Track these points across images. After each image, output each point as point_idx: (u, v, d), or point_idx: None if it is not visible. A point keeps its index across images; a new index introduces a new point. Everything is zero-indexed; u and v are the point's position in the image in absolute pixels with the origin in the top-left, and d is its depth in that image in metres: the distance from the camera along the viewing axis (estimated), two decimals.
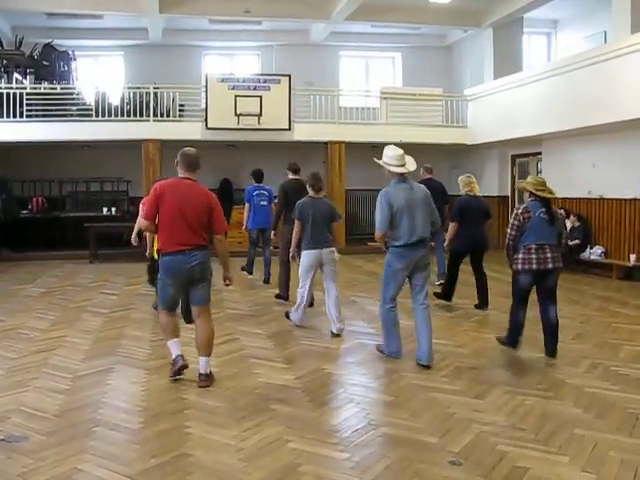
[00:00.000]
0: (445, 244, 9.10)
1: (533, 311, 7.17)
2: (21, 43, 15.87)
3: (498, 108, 15.14)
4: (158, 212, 5.34)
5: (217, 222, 5.44)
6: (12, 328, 7.68)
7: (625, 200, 12.15)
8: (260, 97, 14.92)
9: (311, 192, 7.54)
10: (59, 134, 14.39)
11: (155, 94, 15.38)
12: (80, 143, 15.14)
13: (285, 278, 9.14)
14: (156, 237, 7.05)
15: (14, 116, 14.24)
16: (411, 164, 6.11)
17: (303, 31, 17.98)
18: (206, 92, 15.14)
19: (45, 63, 15.85)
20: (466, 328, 7.71)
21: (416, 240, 5.92)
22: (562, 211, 13.07)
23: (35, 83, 15.57)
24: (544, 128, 13.25)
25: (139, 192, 14.03)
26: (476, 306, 8.81)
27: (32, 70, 15.88)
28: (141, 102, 15.19)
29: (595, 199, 12.92)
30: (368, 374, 5.97)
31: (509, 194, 16.42)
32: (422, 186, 6.21)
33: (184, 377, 5.59)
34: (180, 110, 15.62)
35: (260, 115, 14.86)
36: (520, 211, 6.30)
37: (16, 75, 15.22)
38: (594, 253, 12.60)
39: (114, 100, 15.46)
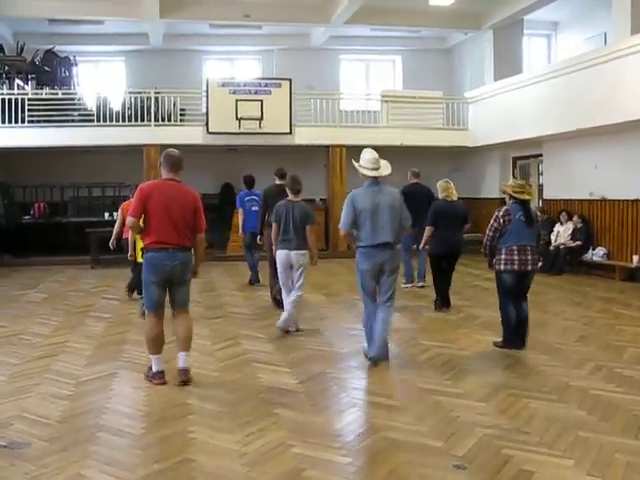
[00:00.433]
0: (421, 246, 9.28)
1: (533, 312, 7.18)
2: (23, 49, 15.90)
3: (499, 110, 15.14)
4: (145, 212, 5.44)
5: (199, 221, 5.60)
6: (14, 334, 7.68)
7: (627, 201, 12.14)
8: (261, 101, 14.93)
9: (290, 195, 7.68)
10: (60, 139, 14.41)
11: (156, 99, 15.40)
12: (81, 148, 15.16)
13: (273, 280, 9.09)
14: (138, 238, 7.28)
15: (16, 122, 14.27)
16: (385, 169, 6.19)
17: (303, 35, 17.99)
18: (207, 96, 15.17)
19: (46, 69, 15.91)
20: (468, 330, 7.69)
21: (380, 243, 6.00)
22: (564, 214, 13.13)
23: (37, 89, 15.61)
24: (545, 130, 13.25)
25: None
26: (436, 307, 8.96)
27: (34, 76, 15.93)
28: (142, 107, 15.22)
29: (597, 200, 12.90)
30: (371, 378, 5.95)
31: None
32: (394, 191, 6.25)
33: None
34: (181, 115, 15.63)
35: (261, 119, 14.88)
36: (501, 213, 6.55)
37: (18, 81, 15.24)
38: (596, 254, 12.58)
39: (115, 105, 15.47)
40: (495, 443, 4.27)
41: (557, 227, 13.22)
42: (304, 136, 15.53)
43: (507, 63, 16.08)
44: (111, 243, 9.30)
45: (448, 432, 4.48)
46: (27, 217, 15.47)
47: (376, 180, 6.14)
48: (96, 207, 16.27)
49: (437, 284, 9.03)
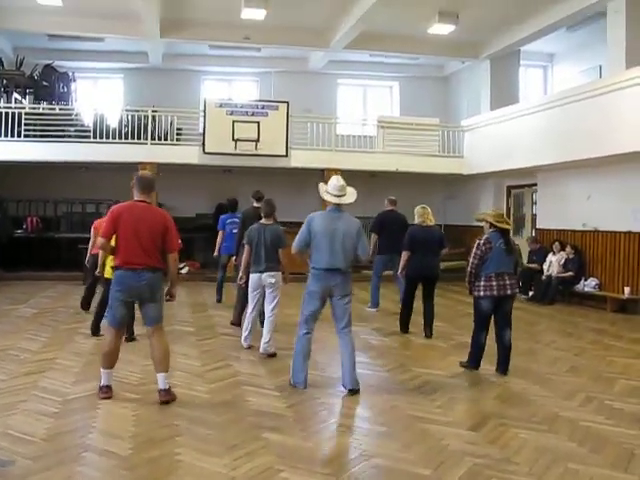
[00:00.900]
0: (399, 272, 9.48)
1: (524, 342, 7.18)
2: (22, 63, 15.96)
3: (494, 139, 15.25)
4: (115, 233, 5.55)
5: (170, 241, 5.63)
6: (2, 349, 7.59)
7: (619, 233, 12.21)
8: (258, 123, 15.00)
9: (263, 219, 7.86)
10: (56, 154, 14.41)
11: (153, 117, 15.44)
12: (77, 164, 15.16)
13: (240, 304, 9.07)
14: (109, 257, 7.37)
15: (12, 135, 14.27)
16: (349, 197, 6.27)
17: (302, 59, 18.14)
18: (204, 116, 15.23)
19: (45, 84, 15.97)
20: (459, 358, 7.64)
21: (330, 267, 6.06)
22: (557, 243, 13.18)
23: (34, 103, 15.63)
24: (539, 160, 13.35)
25: None
26: (425, 335, 9.01)
27: (32, 90, 15.96)
28: (139, 125, 15.26)
29: (589, 231, 12.96)
30: (361, 404, 5.91)
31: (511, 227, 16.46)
32: (354, 220, 6.28)
33: (175, 404, 5.56)
34: (178, 134, 15.66)
35: (257, 141, 14.93)
36: (482, 242, 6.84)
37: (15, 95, 15.27)
38: (588, 285, 12.62)
39: (112, 122, 15.51)
40: (485, 473, 4.24)
41: (550, 257, 13.26)
42: (300, 159, 15.57)
43: (504, 92, 16.25)
44: (87, 261, 9.86)
45: (437, 460, 4.44)
46: (19, 231, 15.40)
47: (338, 207, 6.24)
48: (89, 223, 15.95)
49: (405, 307, 9.26)
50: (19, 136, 14.34)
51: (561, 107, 12.65)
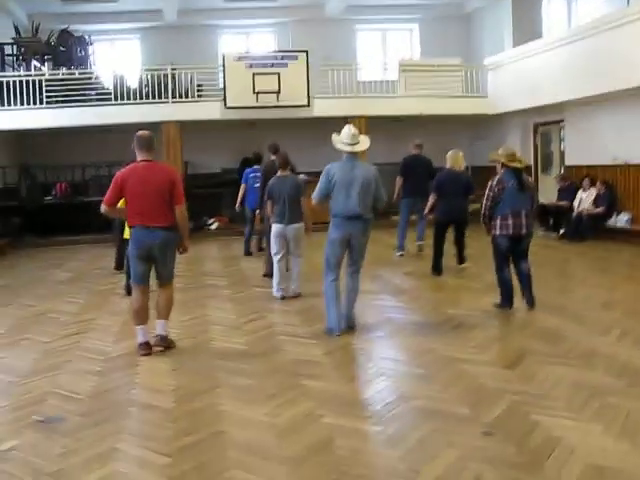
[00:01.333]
0: (425, 212, 9.68)
1: (557, 279, 7.18)
2: (37, 30, 15.90)
3: (519, 76, 14.94)
4: (124, 196, 5.65)
5: (177, 195, 5.68)
6: (43, 312, 7.80)
7: None
8: (278, 74, 14.83)
9: (279, 171, 8.03)
10: (79, 119, 14.46)
11: (173, 75, 15.34)
12: (100, 127, 15.18)
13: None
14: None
15: (34, 103, 14.32)
16: (362, 144, 6.35)
17: (318, 6, 17.79)
18: (224, 71, 15.09)
19: (62, 49, 15.91)
20: (492, 298, 7.64)
21: (350, 215, 6.16)
22: (586, 180, 12.98)
23: (53, 69, 15.62)
24: (566, 95, 13.07)
25: None
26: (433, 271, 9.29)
27: (50, 57, 15.93)
28: (159, 84, 15.19)
29: (620, 165, 12.74)
30: (397, 347, 5.99)
31: (531, 163, 16.22)
32: (370, 167, 6.41)
33: (214, 357, 5.68)
34: (198, 90, 15.56)
35: (279, 92, 14.78)
36: (494, 183, 6.87)
37: (34, 62, 15.27)
38: (620, 220, 12.46)
39: (132, 83, 15.47)
40: (522, 409, 4.29)
41: (580, 193, 13.08)
42: (322, 108, 15.42)
43: (527, 28, 15.84)
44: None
45: (475, 399, 4.50)
46: (49, 197, 15.58)
47: (353, 155, 6.30)
48: None
49: (436, 251, 9.32)
50: (41, 103, 14.38)
51: (588, 38, 12.29)
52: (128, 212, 5.70)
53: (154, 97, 15.07)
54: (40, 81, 14.40)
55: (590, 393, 4.54)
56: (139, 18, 17.38)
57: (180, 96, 15.29)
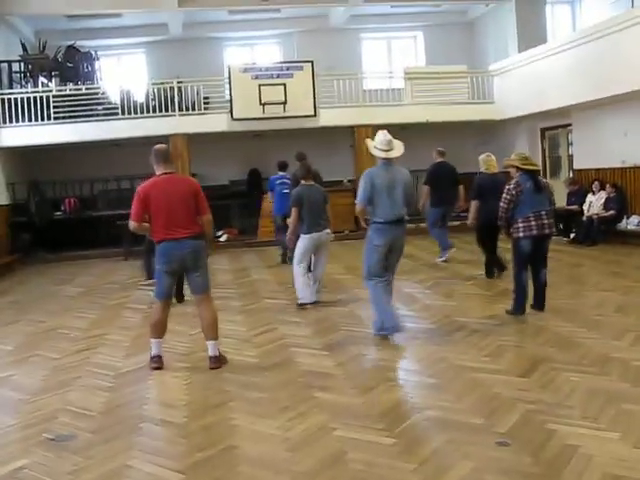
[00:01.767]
0: (469, 222, 9.40)
1: (569, 284, 7.13)
2: (44, 47, 16.00)
3: (525, 81, 14.91)
4: (148, 212, 5.59)
5: (202, 205, 5.69)
6: (53, 328, 7.80)
7: None
8: (284, 85, 14.87)
9: (302, 181, 8.14)
10: (87, 134, 14.53)
11: (179, 88, 15.42)
12: (108, 142, 15.23)
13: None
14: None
15: (42, 119, 14.40)
16: (397, 150, 6.38)
17: (322, 16, 17.85)
18: (229, 83, 15.15)
19: (69, 65, 16.00)
20: (504, 305, 7.60)
21: (394, 219, 6.23)
22: (596, 183, 12.91)
23: (60, 85, 15.70)
24: (573, 99, 13.01)
25: None
26: (487, 275, 9.32)
27: (57, 73, 16.02)
28: (165, 97, 15.25)
29: (629, 168, 12.67)
30: (409, 357, 5.95)
31: (540, 167, 16.15)
32: (404, 170, 6.48)
33: (225, 370, 5.65)
34: (205, 103, 15.62)
35: (285, 103, 14.82)
36: (512, 186, 6.95)
37: (41, 79, 15.35)
38: (631, 223, 12.38)
39: (139, 97, 15.53)
40: (538, 418, 4.23)
41: (589, 197, 13.00)
42: (328, 118, 15.44)
43: (531, 33, 15.81)
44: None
45: (489, 409, 4.44)
46: (58, 213, 15.62)
47: (388, 161, 6.35)
48: (126, 199, 16.15)
49: (487, 253, 9.34)
50: (49, 119, 14.46)
51: (593, 42, 12.25)
52: (153, 227, 5.64)
53: (161, 110, 15.13)
54: (47, 97, 14.49)
55: (606, 400, 4.48)
56: (144, 32, 17.49)
57: (187, 109, 15.33)
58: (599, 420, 4.16)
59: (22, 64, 15.75)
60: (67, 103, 14.73)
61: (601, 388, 4.74)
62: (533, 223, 6.82)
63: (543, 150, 16.11)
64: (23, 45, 15.90)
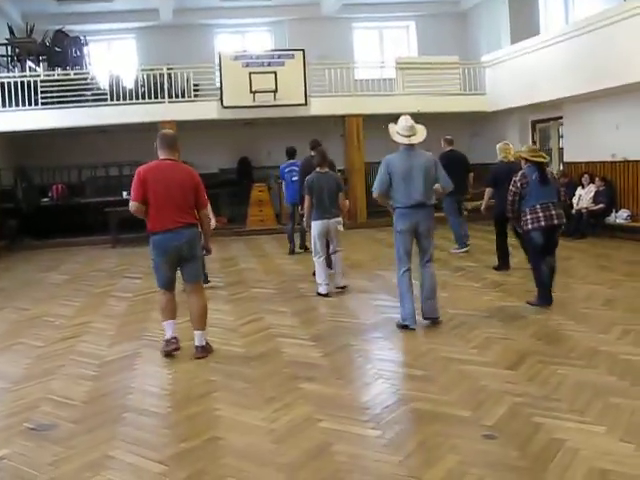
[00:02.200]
0: (482, 208, 9.48)
1: (557, 277, 7.12)
2: (32, 30, 15.74)
3: (517, 73, 14.85)
4: (145, 194, 5.46)
5: (202, 197, 5.63)
6: (38, 316, 7.72)
7: None
8: (275, 73, 14.76)
9: (317, 168, 8.14)
10: (75, 120, 14.33)
11: (169, 75, 15.26)
12: (96, 128, 15.10)
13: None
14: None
15: (29, 104, 14.19)
16: (419, 135, 6.38)
17: (314, 4, 17.71)
18: (220, 70, 15.02)
19: (57, 49, 15.79)
20: (492, 297, 7.60)
21: (414, 203, 6.22)
22: (585, 176, 12.91)
23: (48, 70, 15.51)
24: (565, 92, 12.97)
25: None
26: (495, 268, 9.23)
27: (45, 57, 15.81)
28: (155, 84, 15.10)
29: (619, 162, 12.66)
30: (396, 349, 5.91)
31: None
32: (428, 154, 6.44)
33: (211, 360, 5.59)
34: (195, 90, 15.48)
35: (276, 91, 14.71)
36: (518, 178, 7.03)
37: (29, 63, 15.16)
38: (620, 217, 12.38)
39: (128, 83, 15.38)
40: (525, 411, 4.20)
41: (579, 190, 13.00)
42: (319, 107, 15.35)
43: (524, 25, 15.74)
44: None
45: (477, 401, 4.41)
46: (45, 199, 15.49)
47: (410, 146, 6.33)
48: (114, 186, 16.21)
49: (501, 245, 9.30)
50: (36, 104, 14.25)
51: (585, 35, 12.20)
52: (149, 213, 5.50)
53: (150, 97, 14.96)
54: (35, 82, 14.28)
55: (593, 393, 4.46)
56: (135, 18, 17.28)
57: (177, 96, 15.20)
58: (586, 414, 4.13)
59: (9, 48, 15.54)
60: (55, 88, 14.53)
61: (588, 381, 4.71)
62: (541, 214, 6.85)
63: (534, 142, 16.05)
64: (10, 28, 15.65)
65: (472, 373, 5.00)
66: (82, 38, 16.25)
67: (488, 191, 9.10)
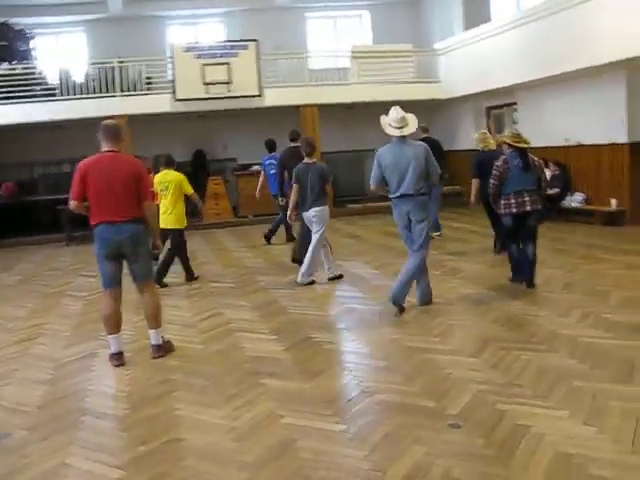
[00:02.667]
0: (472, 199, 9.36)
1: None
2: None
3: (471, 61, 14.90)
4: (86, 189, 5.26)
5: (144, 190, 5.40)
6: None
7: (603, 145, 12.04)
8: (228, 64, 14.58)
9: (305, 158, 8.06)
10: (23, 116, 13.97)
11: (120, 68, 14.96)
12: (48, 124, 14.71)
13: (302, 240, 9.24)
14: (162, 207, 8.27)
15: None
16: (411, 126, 6.44)
17: None
18: (172, 63, 14.77)
19: (2, 43, 15.30)
20: (453, 285, 7.60)
21: (403, 194, 6.34)
22: (541, 160, 13.01)
23: None
24: (517, 78, 13.06)
25: None
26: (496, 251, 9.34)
27: None
28: (106, 77, 14.79)
29: (573, 146, 12.79)
30: (358, 340, 5.84)
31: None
32: (418, 144, 6.55)
33: (170, 358, 5.48)
34: (147, 83, 15.22)
35: (229, 83, 14.53)
36: (500, 163, 7.13)
37: None
38: (575, 200, 12.52)
39: (78, 77, 15.03)
40: (489, 399, 4.18)
41: None
42: (274, 98, 15.20)
43: (476, 12, 15.80)
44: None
45: (441, 391, 4.38)
46: None
47: (402, 138, 6.40)
48: (67, 183, 15.71)
49: (497, 230, 9.34)
50: None
51: (536, 21, 12.27)
52: (91, 207, 5.29)
53: (102, 91, 14.67)
54: None
55: (556, 378, 4.47)
56: (83, 10, 16.82)
57: (129, 89, 14.91)
58: (549, 398, 4.14)
59: None
60: (1, 83, 14.13)
61: (551, 366, 4.73)
62: (513, 201, 7.02)
63: (488, 128, 16.14)
64: None
65: (436, 362, 4.98)
66: (28, 31, 15.80)
67: (475, 182, 9.04)
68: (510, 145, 7.15)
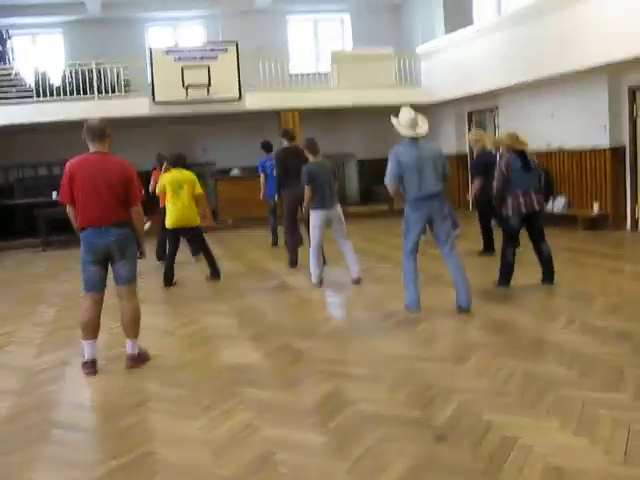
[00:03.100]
0: (472, 197, 9.52)
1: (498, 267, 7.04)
2: None
3: (452, 65, 14.86)
4: (73, 192, 5.08)
5: (132, 193, 5.19)
6: None
7: (585, 150, 12.02)
8: (208, 67, 14.37)
9: (311, 157, 8.02)
10: None
11: (98, 70, 14.72)
12: (23, 127, 14.45)
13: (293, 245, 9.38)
14: (170, 207, 8.44)
15: None
16: (424, 126, 6.38)
17: None
18: (151, 65, 14.55)
19: None
20: (435, 290, 7.47)
21: (428, 194, 6.25)
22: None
23: None
24: (499, 82, 13.03)
25: None
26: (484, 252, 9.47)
27: None
28: (84, 80, 14.55)
29: (554, 151, 12.76)
30: (339, 347, 5.67)
31: (467, 152, 16.16)
32: (433, 145, 6.62)
33: (144, 366, 5.29)
34: (125, 86, 15.00)
35: (209, 86, 14.34)
36: (504, 164, 7.13)
37: None
38: (557, 205, 12.48)
39: (56, 80, 14.77)
40: (475, 409, 4.04)
41: None
42: (254, 102, 15.03)
43: (457, 15, 15.74)
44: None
45: (425, 400, 4.23)
46: None
47: (415, 139, 6.32)
48: (44, 187, 15.57)
49: (485, 229, 9.54)
50: None
51: (518, 25, 12.26)
52: (77, 210, 5.09)
53: (79, 93, 14.43)
54: None
55: (543, 386, 4.34)
56: (60, 11, 16.58)
57: (106, 92, 14.68)
58: (537, 408, 4.00)
59: None
60: None
61: (537, 373, 4.59)
62: (522, 200, 7.03)
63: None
64: None
65: (419, 370, 4.83)
66: (4, 32, 15.54)
67: (479, 180, 9.05)
68: (509, 147, 7.18)
